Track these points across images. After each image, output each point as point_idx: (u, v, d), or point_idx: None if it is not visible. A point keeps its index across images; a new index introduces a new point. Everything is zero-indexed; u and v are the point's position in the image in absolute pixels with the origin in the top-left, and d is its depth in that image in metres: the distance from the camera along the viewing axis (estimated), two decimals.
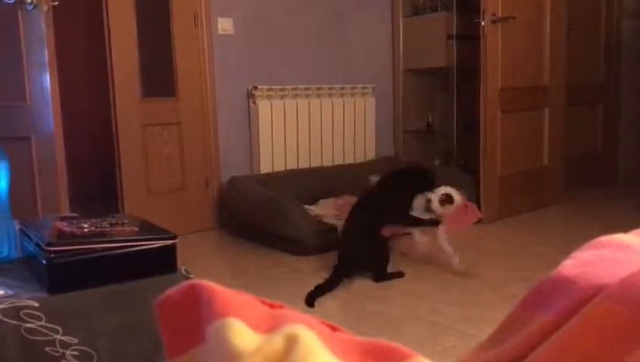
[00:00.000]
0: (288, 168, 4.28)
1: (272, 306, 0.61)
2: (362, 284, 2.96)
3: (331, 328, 0.57)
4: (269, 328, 0.52)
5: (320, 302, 2.69)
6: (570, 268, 0.63)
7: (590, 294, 0.59)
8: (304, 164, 4.38)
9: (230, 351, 0.49)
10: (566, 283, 0.61)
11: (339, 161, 4.56)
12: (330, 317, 2.48)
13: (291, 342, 0.46)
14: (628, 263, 0.61)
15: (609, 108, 5.43)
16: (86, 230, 1.45)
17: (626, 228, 2.88)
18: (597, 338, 0.56)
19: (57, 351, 1.28)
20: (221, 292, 0.60)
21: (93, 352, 1.32)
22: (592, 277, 0.60)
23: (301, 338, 0.46)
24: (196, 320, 0.60)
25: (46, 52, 3.39)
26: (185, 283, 0.64)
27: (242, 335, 0.50)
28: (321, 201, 4.12)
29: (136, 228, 1.47)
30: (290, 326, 0.49)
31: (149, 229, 1.48)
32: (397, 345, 0.48)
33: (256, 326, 0.52)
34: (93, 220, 1.54)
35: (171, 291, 0.66)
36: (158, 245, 1.39)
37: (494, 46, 4.00)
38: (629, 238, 0.67)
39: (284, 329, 0.48)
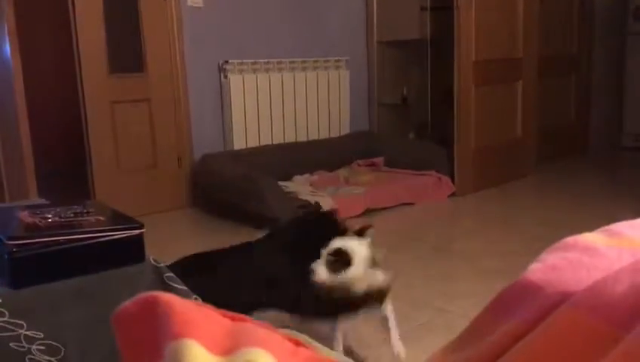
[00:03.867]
0: (262, 144, 4.23)
1: (233, 319, 0.59)
2: None
3: (294, 343, 0.56)
4: (228, 349, 0.50)
5: None
6: (537, 273, 0.62)
7: (556, 301, 0.58)
8: (278, 140, 4.33)
9: None
10: (533, 289, 0.61)
11: (313, 136, 4.52)
12: None
13: None
14: (594, 268, 0.60)
15: (581, 80, 5.47)
16: (50, 220, 1.40)
17: (597, 199, 2.92)
18: (563, 347, 0.55)
19: (23, 347, 1.25)
20: (179, 307, 0.57)
21: (60, 346, 1.29)
22: (558, 284, 0.59)
23: None
24: (153, 335, 0.58)
25: (6, 26, 3.27)
26: (142, 296, 0.62)
27: (198, 359, 0.48)
28: (296, 178, 4.10)
29: (102, 218, 1.43)
30: (247, 351, 0.47)
31: (115, 218, 1.44)
32: None
33: (213, 348, 0.50)
34: (58, 210, 1.49)
35: (128, 304, 0.64)
36: (124, 235, 1.35)
37: (468, 17, 3.97)
38: (595, 238, 0.67)
39: (241, 354, 0.47)
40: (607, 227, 0.71)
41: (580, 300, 0.56)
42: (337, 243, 1.72)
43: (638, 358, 0.49)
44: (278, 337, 0.54)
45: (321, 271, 1.69)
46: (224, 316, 0.59)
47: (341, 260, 1.70)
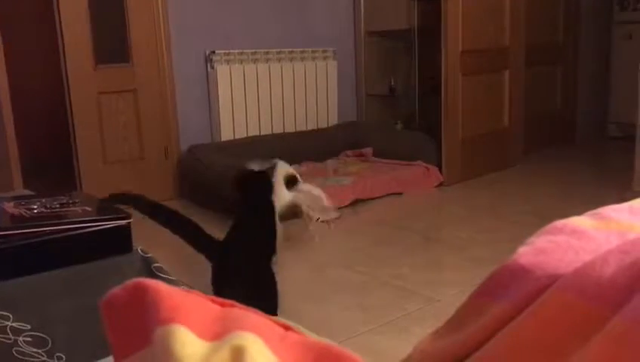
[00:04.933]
0: (250, 135, 4.22)
1: (222, 305, 0.59)
2: (326, 251, 2.97)
3: (284, 328, 0.55)
4: (216, 334, 0.50)
5: (285, 268, 2.69)
6: (525, 256, 0.62)
7: (545, 284, 0.58)
8: (266, 131, 4.32)
9: None
10: (521, 272, 0.61)
11: (301, 127, 4.51)
12: (294, 285, 2.49)
13: (237, 354, 0.44)
14: (582, 251, 0.60)
15: (568, 69, 5.50)
16: (35, 211, 1.39)
17: (584, 187, 2.94)
18: (551, 330, 0.55)
19: (9, 338, 1.24)
20: (167, 292, 0.57)
21: (47, 337, 1.28)
22: (547, 266, 0.59)
23: (247, 349, 0.44)
24: (142, 321, 0.57)
25: None
26: (130, 283, 0.62)
27: (187, 345, 0.47)
28: None
29: (88, 208, 1.42)
30: (236, 335, 0.46)
31: (102, 209, 1.43)
32: (349, 352, 0.46)
33: (202, 333, 0.50)
34: (44, 200, 1.48)
35: (116, 290, 0.63)
36: (111, 225, 1.34)
37: (455, 7, 3.97)
38: (584, 222, 0.67)
39: (230, 339, 0.46)
40: (594, 211, 0.71)
41: (569, 282, 0.56)
42: (283, 171, 2.63)
43: (628, 338, 0.49)
44: (267, 322, 0.54)
45: (284, 193, 2.58)
46: (213, 301, 0.59)
47: (292, 181, 2.65)
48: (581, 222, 0.67)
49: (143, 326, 0.56)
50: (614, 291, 0.53)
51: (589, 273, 0.55)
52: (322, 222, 3.17)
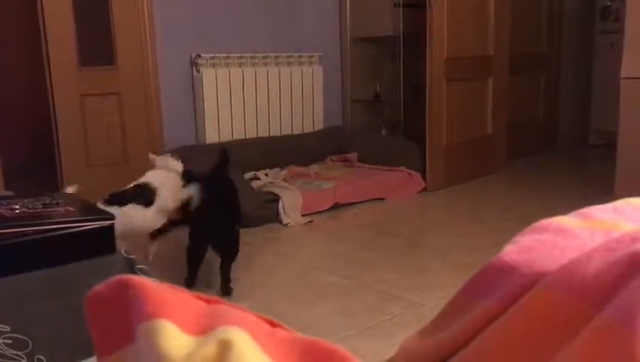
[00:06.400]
0: (235, 138, 4.20)
1: (208, 301, 0.59)
2: (309, 255, 2.97)
3: (270, 324, 0.55)
4: (203, 329, 0.49)
5: (270, 273, 2.68)
6: (511, 254, 0.62)
7: (531, 281, 0.59)
8: (251, 134, 4.31)
9: (160, 357, 0.46)
10: (507, 270, 0.61)
11: (287, 131, 4.50)
12: (279, 288, 2.48)
13: (224, 348, 0.44)
14: (568, 249, 0.61)
15: (550, 78, 5.56)
16: (17, 211, 1.37)
17: (565, 194, 2.98)
18: (537, 327, 0.56)
19: None
20: (152, 288, 0.56)
21: (27, 339, 1.26)
22: (532, 264, 0.60)
23: (235, 343, 0.44)
24: (126, 318, 0.57)
25: None
26: (114, 279, 0.61)
27: (172, 339, 0.47)
28: (267, 171, 4.10)
29: (71, 209, 1.40)
30: (223, 329, 0.46)
31: (85, 209, 1.42)
32: (337, 347, 0.46)
33: (188, 328, 0.49)
34: (26, 200, 1.45)
35: (100, 287, 0.62)
36: (94, 226, 1.32)
37: (440, 15, 4.00)
38: (569, 221, 0.67)
39: (217, 333, 0.46)
40: (579, 211, 0.72)
41: (554, 279, 0.56)
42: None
43: (612, 335, 0.49)
44: (253, 318, 0.53)
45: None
46: (198, 298, 0.58)
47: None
48: (566, 221, 0.67)
49: (128, 322, 0.56)
50: (599, 289, 0.54)
51: (574, 271, 0.55)
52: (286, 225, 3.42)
